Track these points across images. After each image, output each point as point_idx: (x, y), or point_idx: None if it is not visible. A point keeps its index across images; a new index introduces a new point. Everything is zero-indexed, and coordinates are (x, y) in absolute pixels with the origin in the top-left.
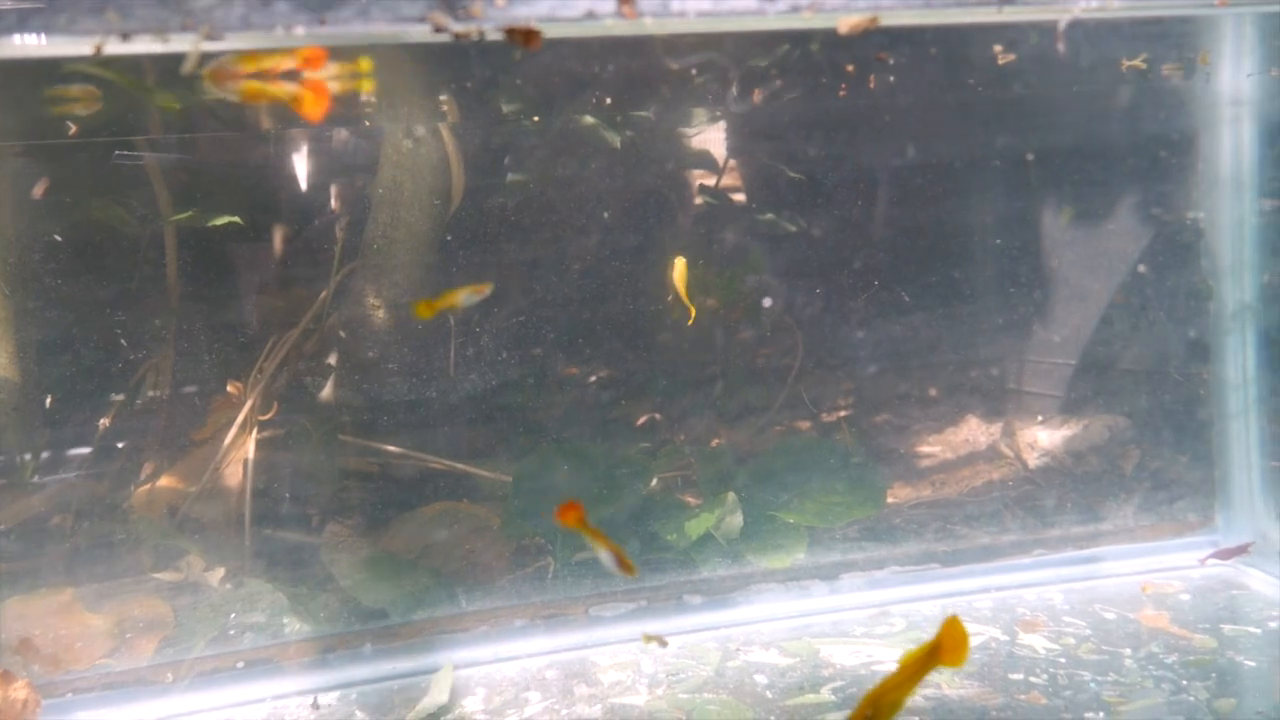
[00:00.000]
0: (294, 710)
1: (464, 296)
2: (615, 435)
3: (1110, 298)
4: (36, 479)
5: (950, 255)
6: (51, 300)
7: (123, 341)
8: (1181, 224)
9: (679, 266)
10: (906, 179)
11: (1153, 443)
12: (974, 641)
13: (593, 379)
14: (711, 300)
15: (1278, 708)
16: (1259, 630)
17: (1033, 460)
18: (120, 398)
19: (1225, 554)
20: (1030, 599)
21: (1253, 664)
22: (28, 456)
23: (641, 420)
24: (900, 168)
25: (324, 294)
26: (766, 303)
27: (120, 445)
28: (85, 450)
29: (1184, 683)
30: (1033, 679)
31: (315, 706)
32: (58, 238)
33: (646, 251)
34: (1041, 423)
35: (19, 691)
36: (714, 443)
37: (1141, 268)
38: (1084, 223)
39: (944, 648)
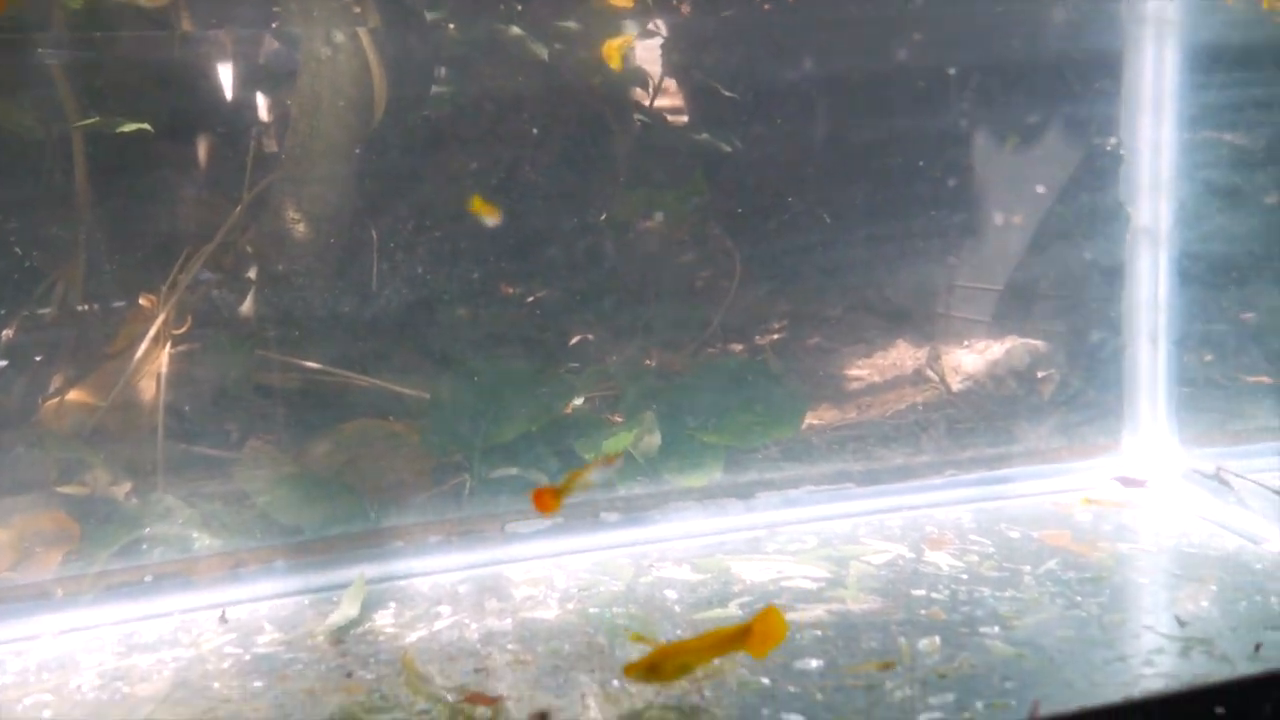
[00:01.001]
0: (202, 623)
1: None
2: (546, 355)
3: (1033, 221)
4: None
5: (880, 176)
6: None
7: (30, 250)
8: (1102, 149)
9: None
10: (837, 96)
11: (1069, 367)
12: (881, 559)
13: (530, 299)
14: (651, 222)
15: (1166, 622)
16: (1154, 549)
17: (956, 384)
18: (26, 310)
19: (1128, 482)
20: (939, 518)
21: (1145, 581)
22: None
23: (574, 340)
24: (832, 84)
25: (239, 207)
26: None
27: (27, 358)
28: None
29: (1078, 598)
30: (934, 595)
31: (223, 620)
32: None
33: (579, 169)
34: (966, 347)
35: None
36: (646, 364)
37: (1061, 191)
38: (1007, 144)
39: (755, 634)
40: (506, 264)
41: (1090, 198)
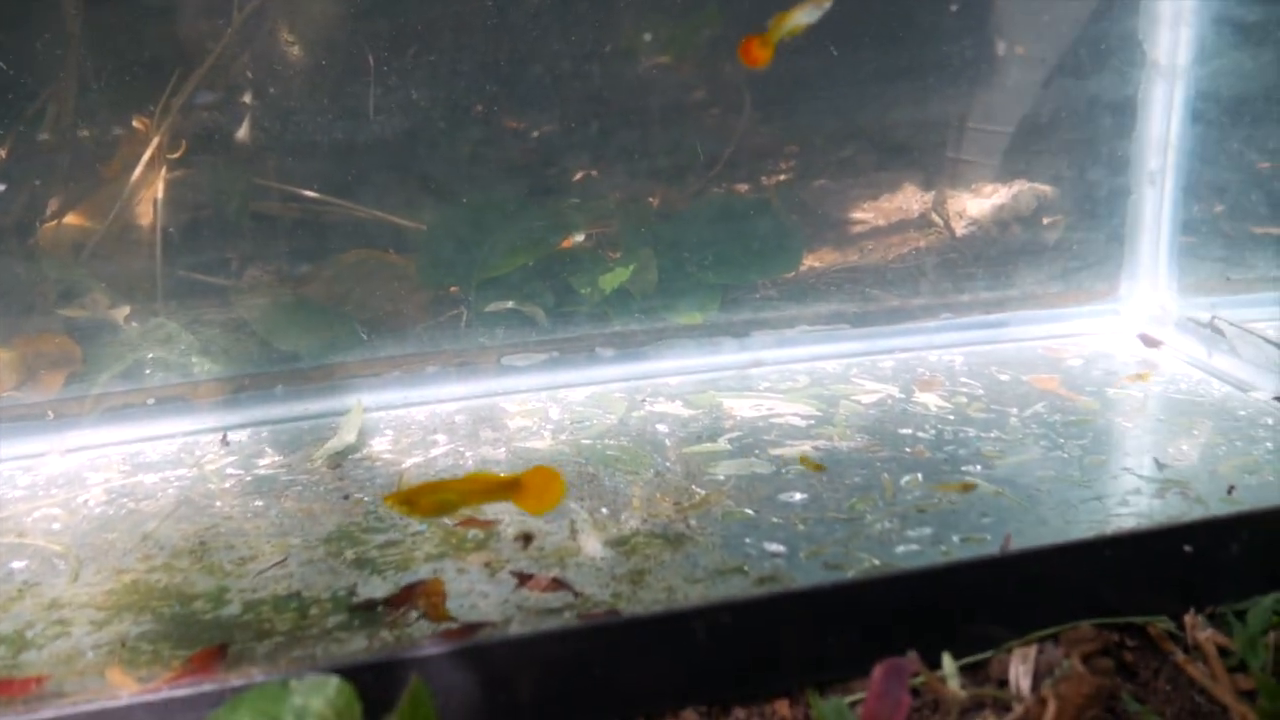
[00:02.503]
0: (204, 445)
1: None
2: (545, 189)
3: (1045, 55)
4: None
5: (893, 6)
6: None
7: (21, 69)
8: None
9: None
10: None
11: (1075, 213)
12: (870, 399)
13: (532, 132)
14: (663, 57)
15: (1146, 465)
16: (1141, 394)
17: (960, 228)
18: (20, 130)
19: (1148, 341)
20: (932, 360)
21: (1130, 425)
22: None
23: (577, 176)
24: None
25: (231, 28)
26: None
27: (23, 180)
28: None
29: (1061, 440)
30: (920, 434)
31: (225, 443)
32: None
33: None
34: (973, 191)
35: None
36: (650, 200)
37: (1074, 21)
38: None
39: (525, 487)
40: (504, 95)
41: (1105, 28)
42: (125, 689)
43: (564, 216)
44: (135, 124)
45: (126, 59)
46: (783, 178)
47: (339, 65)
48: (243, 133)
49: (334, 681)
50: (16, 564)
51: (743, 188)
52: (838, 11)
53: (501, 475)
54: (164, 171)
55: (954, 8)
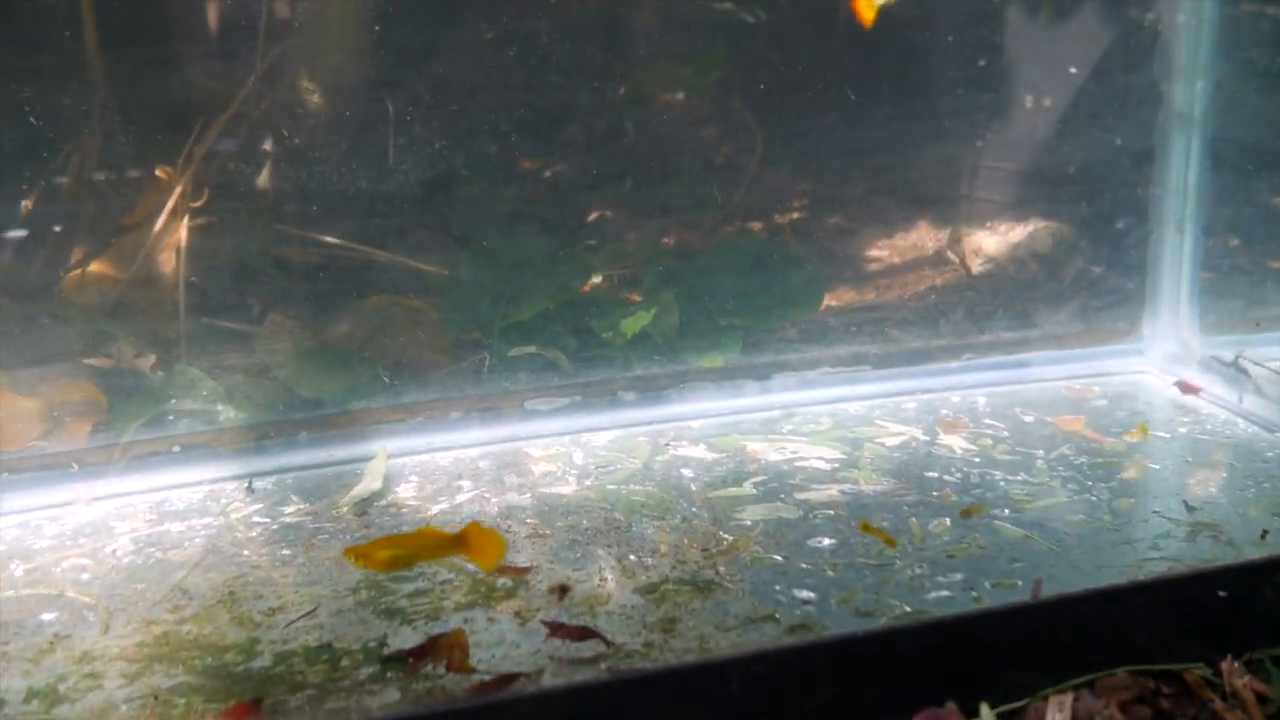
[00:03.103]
0: (230, 493)
1: None
2: (564, 233)
3: (1063, 101)
4: None
5: (907, 52)
6: None
7: (46, 120)
8: (1139, 24)
9: None
10: None
11: (1093, 251)
12: (894, 441)
13: (547, 174)
14: (671, 97)
15: (1175, 508)
16: (1168, 435)
17: (976, 266)
18: (43, 181)
19: (1185, 388)
20: (955, 401)
21: (1157, 467)
22: None
23: (591, 217)
24: None
25: (253, 77)
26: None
27: (47, 229)
28: (8, 234)
29: (1089, 483)
30: (946, 477)
31: (250, 490)
32: None
33: (598, 41)
34: (989, 229)
35: None
36: (665, 241)
37: (1094, 70)
38: (1040, 16)
39: (468, 544)
40: (522, 139)
41: (1124, 78)
42: None
43: (583, 260)
44: (158, 173)
45: (149, 109)
46: (795, 216)
47: (359, 113)
48: (264, 180)
49: None
50: (47, 615)
51: (756, 226)
52: (852, 53)
53: (448, 532)
54: (187, 220)
55: (980, 61)
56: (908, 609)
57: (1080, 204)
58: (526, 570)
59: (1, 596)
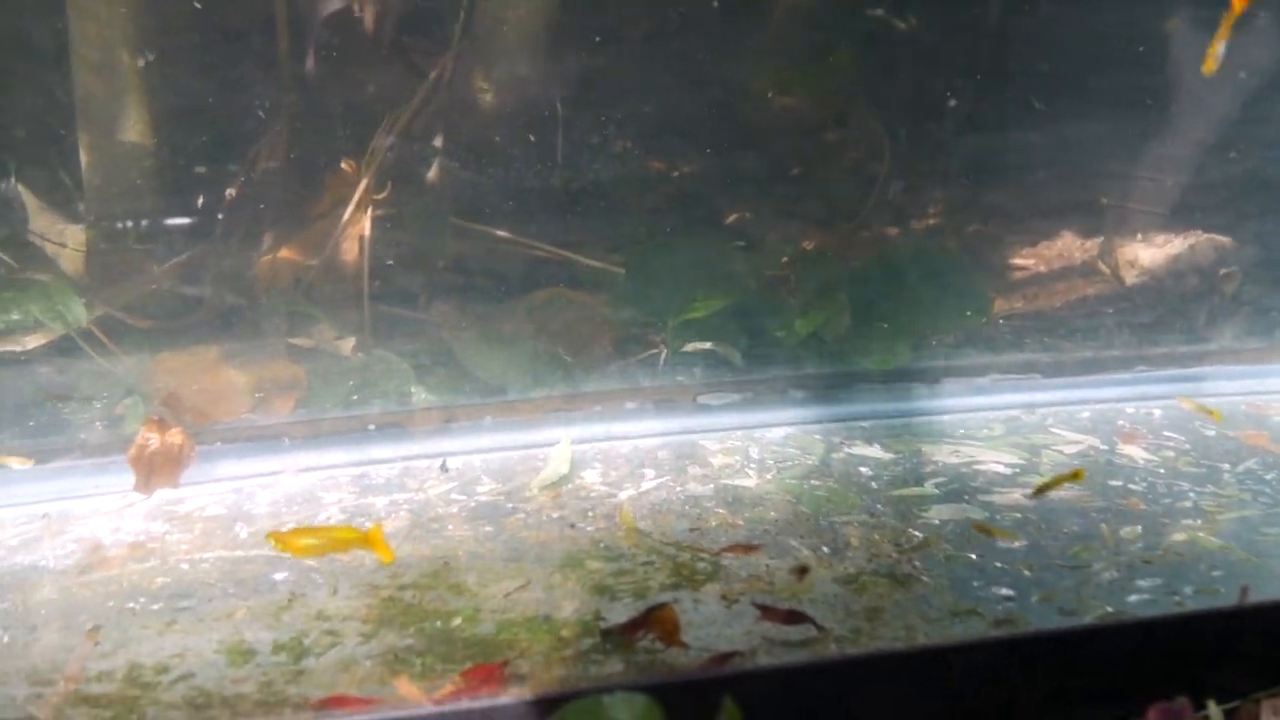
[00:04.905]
0: (422, 471)
1: None
2: (705, 231)
3: (1229, 111)
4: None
5: (1061, 60)
6: (187, 68)
7: (241, 118)
8: None
9: None
10: None
11: (1256, 265)
12: (1072, 450)
13: (675, 173)
14: (792, 98)
15: None
16: None
17: (1130, 277)
18: (239, 172)
19: None
20: (1129, 412)
21: None
22: (142, 223)
23: (732, 217)
24: None
25: (434, 73)
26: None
27: (241, 216)
28: (214, 218)
29: None
30: (1131, 486)
31: (444, 469)
32: (197, 4)
33: (731, 41)
34: (1142, 240)
35: (175, 437)
36: (805, 245)
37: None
38: (1208, 31)
39: (371, 541)
40: (658, 141)
41: None
42: (416, 699)
43: (742, 260)
44: (344, 166)
45: (335, 105)
46: (931, 222)
47: (531, 111)
48: (442, 174)
49: (641, 699)
50: (278, 575)
51: (892, 230)
52: (1004, 68)
53: (355, 531)
54: (370, 211)
55: (1143, 78)
56: (1108, 609)
57: (1244, 217)
58: (753, 549)
59: (234, 555)
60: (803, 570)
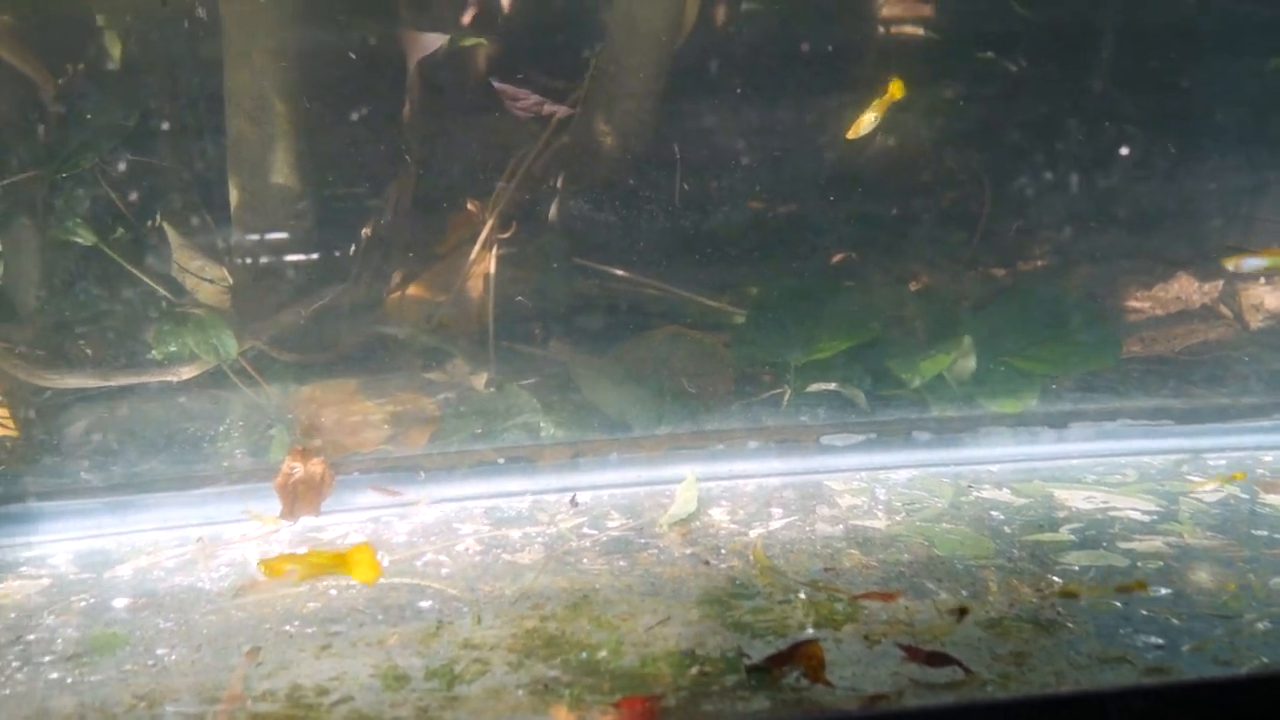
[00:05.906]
0: (552, 505)
1: None
2: (815, 271)
3: None
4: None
5: (1180, 101)
6: (334, 112)
7: (372, 161)
8: None
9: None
10: (1146, 41)
11: None
12: (1212, 498)
13: (779, 213)
14: (892, 140)
15: None
16: None
17: (1256, 322)
18: (370, 216)
19: None
20: (1269, 461)
21: None
22: (286, 258)
23: (838, 258)
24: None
25: (557, 114)
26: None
27: (373, 255)
28: (351, 256)
29: None
30: (1278, 536)
31: (574, 504)
32: (352, 55)
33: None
34: (1266, 284)
35: (316, 467)
36: (912, 286)
37: None
38: None
39: (351, 562)
40: (768, 181)
41: None
42: None
43: (861, 301)
44: (469, 206)
45: (460, 148)
46: (1039, 264)
47: (652, 155)
48: (564, 215)
49: None
50: (424, 604)
51: (1000, 272)
52: (1109, 117)
53: (333, 552)
54: (494, 250)
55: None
56: (1264, 660)
57: None
58: (893, 596)
59: (379, 583)
60: (962, 611)
